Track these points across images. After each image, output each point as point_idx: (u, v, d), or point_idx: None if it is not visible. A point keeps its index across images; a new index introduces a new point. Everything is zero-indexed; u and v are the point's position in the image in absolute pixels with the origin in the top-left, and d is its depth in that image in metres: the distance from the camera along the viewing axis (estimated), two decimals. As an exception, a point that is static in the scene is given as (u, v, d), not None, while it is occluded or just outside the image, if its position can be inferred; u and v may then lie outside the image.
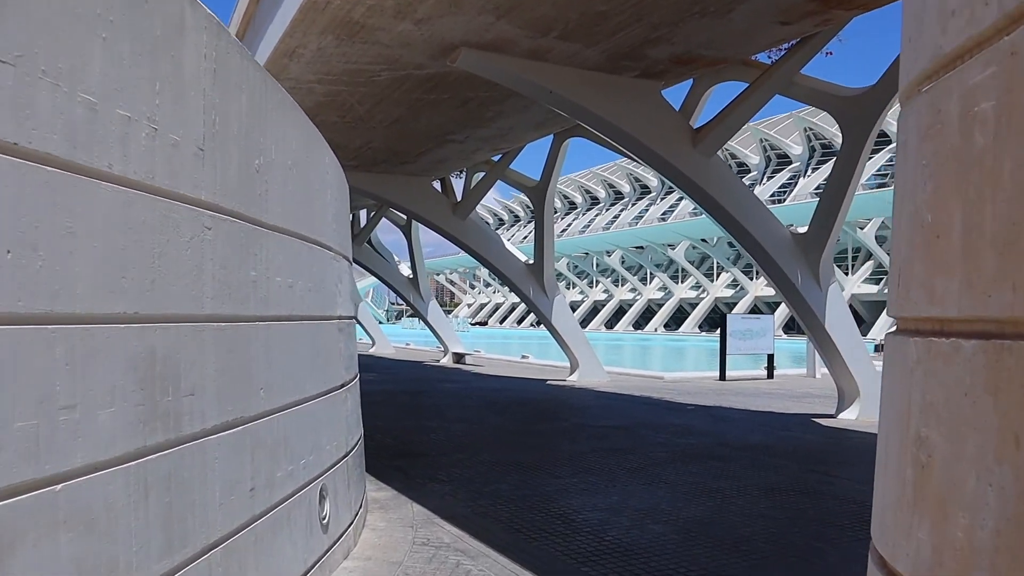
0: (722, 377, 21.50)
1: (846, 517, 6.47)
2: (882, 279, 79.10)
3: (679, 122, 12.14)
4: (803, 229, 12.82)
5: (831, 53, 12.62)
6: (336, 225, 5.54)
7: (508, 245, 22.08)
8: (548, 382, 20.23)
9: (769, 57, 12.37)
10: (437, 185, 22.88)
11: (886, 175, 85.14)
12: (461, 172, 22.43)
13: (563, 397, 16.81)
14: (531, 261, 20.90)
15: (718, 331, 22.27)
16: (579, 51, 10.81)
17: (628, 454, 9.34)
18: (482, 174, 21.54)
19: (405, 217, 29.33)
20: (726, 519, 6.40)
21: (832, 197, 12.27)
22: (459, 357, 29.39)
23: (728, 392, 17.86)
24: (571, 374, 20.78)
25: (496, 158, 20.47)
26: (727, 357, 21.64)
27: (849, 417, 13.06)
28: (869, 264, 79.47)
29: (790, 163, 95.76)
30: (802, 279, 12.49)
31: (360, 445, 6.26)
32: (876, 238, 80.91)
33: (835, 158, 12.30)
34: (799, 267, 12.50)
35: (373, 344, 39.24)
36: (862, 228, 79.17)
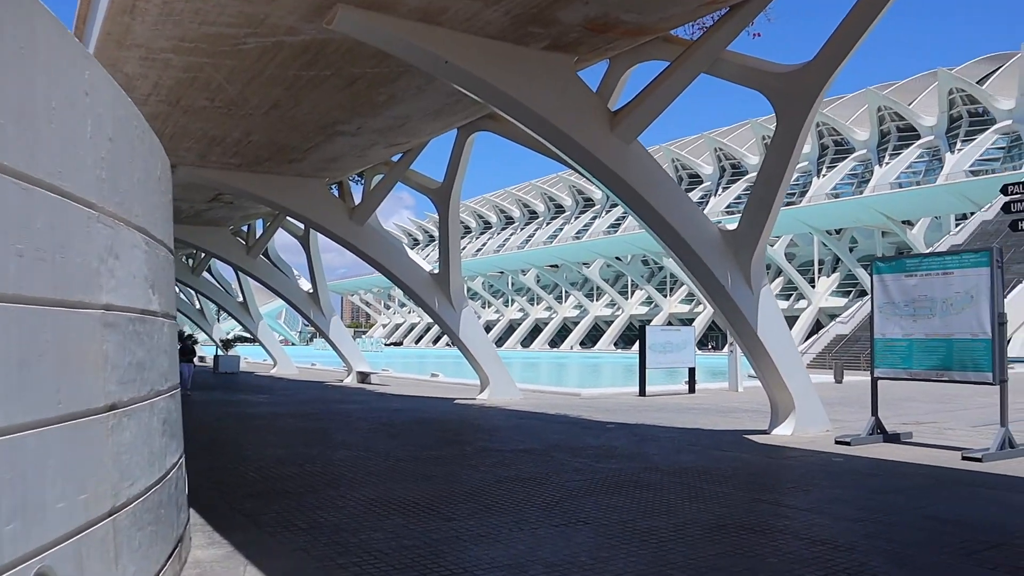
0: (642, 392, 20.19)
1: (818, 565, 5.00)
2: (791, 294, 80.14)
3: (595, 103, 10.68)
4: (732, 226, 11.54)
5: (759, 35, 11.44)
6: (113, 176, 3.81)
7: (412, 254, 20.39)
8: (456, 401, 18.55)
9: (692, 36, 11.09)
10: (336, 191, 21.08)
11: (793, 193, 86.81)
12: (360, 177, 20.68)
13: (470, 417, 15.15)
14: (436, 271, 19.25)
15: (636, 345, 20.96)
16: (478, 11, 9.26)
17: (540, 484, 7.74)
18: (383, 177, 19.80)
19: (303, 228, 27.34)
20: (667, 574, 4.86)
21: (765, 189, 11.00)
22: (364, 376, 27.47)
23: (649, 408, 16.50)
24: (481, 392, 19.18)
25: (397, 158, 18.78)
26: (646, 371, 20.37)
27: (784, 433, 11.79)
28: (779, 280, 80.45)
29: (701, 182, 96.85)
30: (732, 280, 11.18)
31: (166, 490, 4.49)
32: (786, 255, 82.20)
33: (767, 150, 11.06)
34: (728, 267, 11.19)
35: (275, 365, 37.11)
36: (771, 245, 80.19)
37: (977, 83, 78.58)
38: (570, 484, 7.75)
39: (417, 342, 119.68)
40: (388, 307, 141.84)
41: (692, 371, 21.30)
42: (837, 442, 10.76)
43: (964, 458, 9.43)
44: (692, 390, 21.11)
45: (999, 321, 9.86)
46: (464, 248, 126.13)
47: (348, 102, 13.24)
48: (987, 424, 13.27)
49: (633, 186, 10.36)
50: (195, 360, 24.41)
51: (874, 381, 11.36)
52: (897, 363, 10.91)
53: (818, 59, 10.20)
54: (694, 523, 6.06)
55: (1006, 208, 10.16)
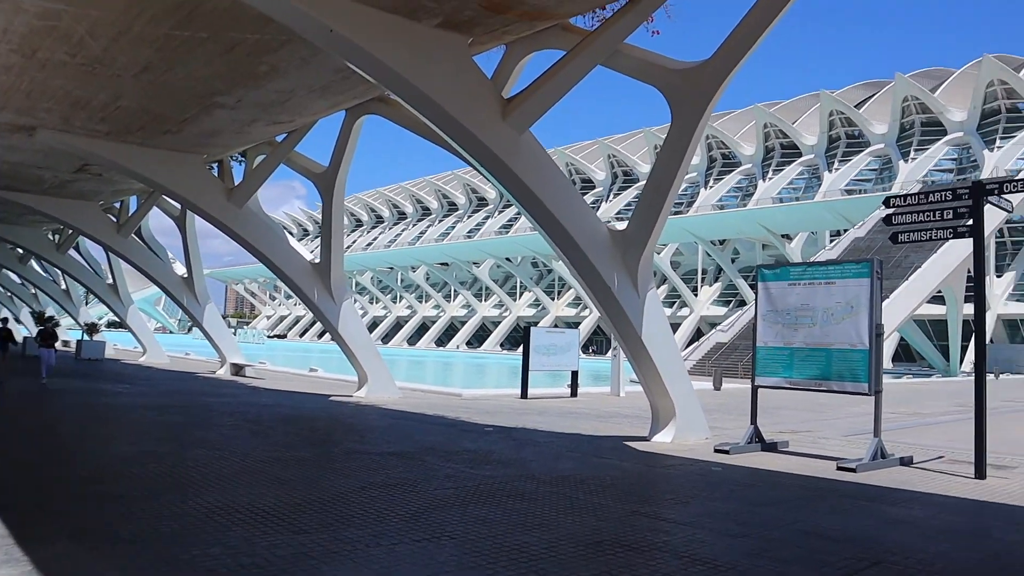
0: (524, 395, 19.85)
1: (695, 587, 4.63)
2: (675, 302, 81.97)
3: (488, 89, 10.16)
4: (622, 226, 11.25)
5: (658, 32, 11.18)
6: None
7: (293, 242, 19.42)
8: (331, 398, 17.74)
9: (592, 27, 10.73)
10: (216, 171, 19.90)
11: (681, 203, 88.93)
12: (242, 157, 19.58)
13: (344, 416, 14.42)
14: (317, 260, 18.37)
15: (521, 346, 20.62)
16: (366, -22, 8.63)
17: (407, 492, 7.18)
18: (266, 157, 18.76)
19: (180, 208, 25.85)
20: (533, 598, 4.38)
21: (656, 188, 10.74)
22: (238, 369, 26.20)
23: (531, 411, 16.14)
24: (359, 389, 18.41)
25: (281, 138, 17.81)
26: (529, 374, 20.04)
27: (664, 440, 11.58)
28: (664, 288, 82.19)
29: (593, 188, 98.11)
30: (618, 282, 10.88)
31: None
32: (671, 263, 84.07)
33: (662, 146, 10.79)
34: (616, 268, 10.88)
35: (144, 352, 35.06)
36: (658, 253, 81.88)
37: (855, 107, 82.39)
38: (440, 492, 7.21)
39: (302, 335, 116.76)
40: (274, 298, 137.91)
41: (575, 374, 21.10)
42: (716, 450, 10.61)
43: (839, 468, 9.39)
44: (574, 394, 20.91)
45: (876, 332, 9.89)
46: (354, 242, 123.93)
47: (227, 71, 12.30)
48: (859, 433, 13.48)
49: (522, 178, 9.90)
50: (57, 345, 22.62)
51: (754, 389, 11.28)
52: (778, 371, 10.85)
53: (716, 57, 10.00)
54: (569, 539, 5.63)
55: (887, 220, 10.22)
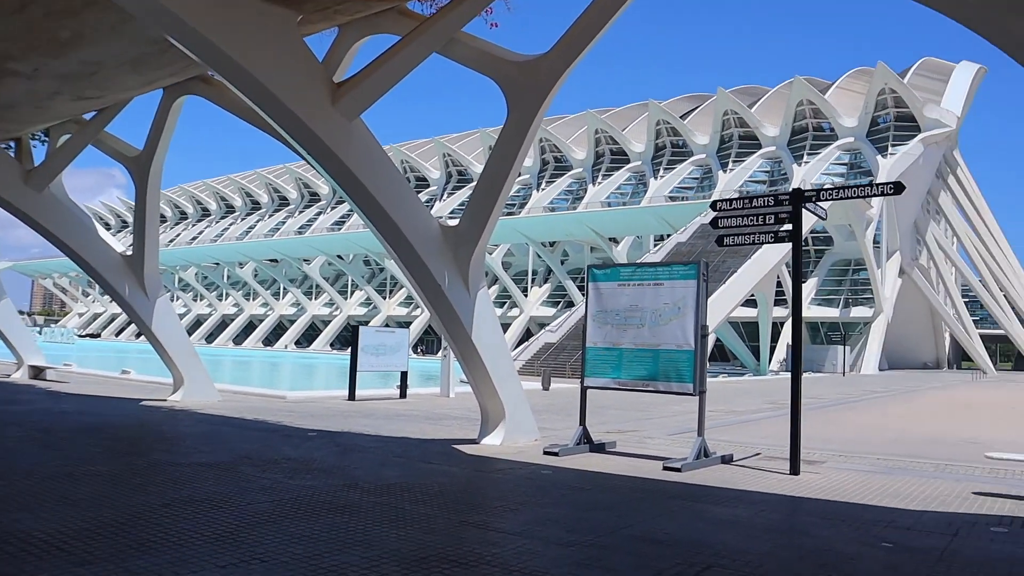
0: (351, 397, 19.22)
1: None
2: (506, 302, 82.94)
3: (317, 71, 9.50)
4: (454, 222, 10.95)
5: (496, 25, 10.96)
6: None
7: (102, 232, 17.85)
8: (142, 403, 16.44)
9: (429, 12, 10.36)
10: (13, 150, 17.97)
11: (513, 204, 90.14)
12: (45, 136, 17.79)
13: (154, 423, 13.33)
14: (129, 252, 16.99)
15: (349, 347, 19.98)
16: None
17: (217, 508, 6.54)
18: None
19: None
20: (350, 627, 3.97)
21: (490, 183, 10.49)
22: (37, 371, 23.91)
23: (358, 414, 15.58)
24: (174, 393, 17.19)
25: (91, 116, 16.27)
26: (357, 374, 19.44)
27: (493, 443, 11.38)
28: (495, 288, 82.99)
29: (428, 186, 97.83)
30: (449, 280, 10.57)
31: None
32: (502, 264, 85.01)
33: (498, 140, 10.56)
34: (447, 266, 10.56)
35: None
36: (490, 253, 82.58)
37: (680, 118, 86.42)
38: (254, 508, 6.62)
39: (118, 334, 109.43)
40: (87, 294, 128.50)
41: (404, 375, 20.67)
42: (546, 452, 10.51)
43: (665, 468, 9.50)
44: (403, 395, 20.47)
45: (701, 333, 10.10)
46: (178, 235, 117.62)
47: (21, 32, 10.93)
48: (682, 432, 13.85)
49: (350, 167, 9.36)
50: None
51: (583, 390, 11.28)
52: (607, 372, 10.89)
53: (554, 52, 9.88)
54: (392, 556, 5.23)
55: (714, 223, 10.47)
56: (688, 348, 10.10)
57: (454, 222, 10.91)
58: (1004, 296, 77.57)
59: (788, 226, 9.84)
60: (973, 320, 79.45)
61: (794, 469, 9.47)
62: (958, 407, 24.87)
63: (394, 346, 20.56)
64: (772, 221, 9.98)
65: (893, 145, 72.15)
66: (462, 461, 9.83)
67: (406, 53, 9.55)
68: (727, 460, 10.37)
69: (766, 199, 10.10)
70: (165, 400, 16.90)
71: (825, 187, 9.80)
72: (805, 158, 76.56)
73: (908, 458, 11.37)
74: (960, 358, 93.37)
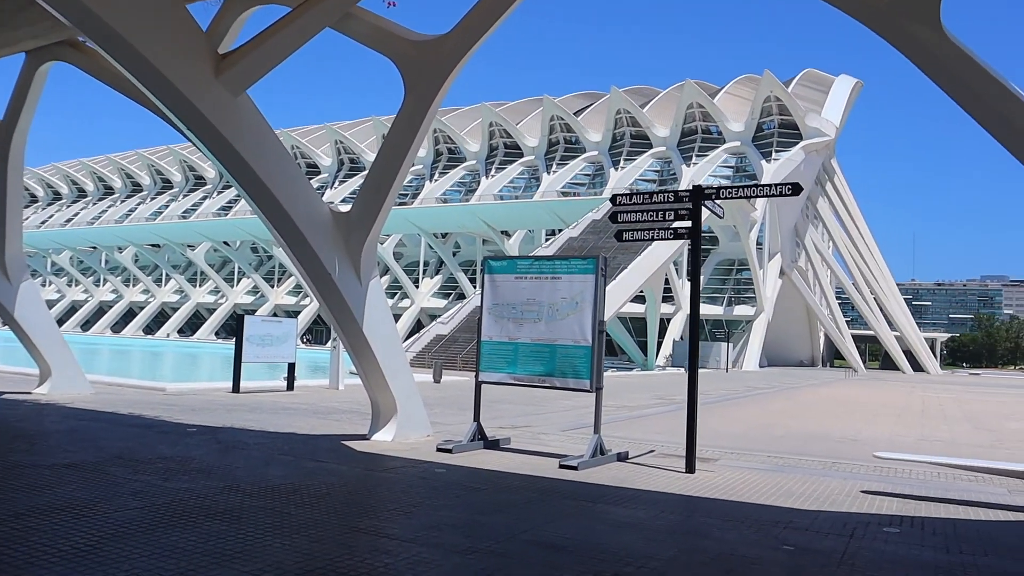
0: (236, 389, 18.40)
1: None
2: (397, 293, 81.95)
3: (200, 40, 8.79)
4: (346, 208, 10.45)
5: (394, 4, 10.54)
6: None
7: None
8: (2, 397, 15.23)
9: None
10: None
11: (406, 194, 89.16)
12: None
13: (15, 419, 12.28)
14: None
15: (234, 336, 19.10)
16: None
17: (80, 517, 5.94)
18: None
19: None
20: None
21: (384, 167, 10.03)
22: None
23: (243, 407, 14.86)
24: (39, 386, 16.01)
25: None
26: (243, 365, 18.62)
27: (384, 439, 10.98)
28: (386, 278, 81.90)
29: (319, 173, 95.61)
30: (340, 268, 10.08)
31: None
32: (394, 254, 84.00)
33: (394, 121, 10.09)
34: (337, 254, 10.07)
35: None
36: (382, 243, 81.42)
37: (574, 114, 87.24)
38: (122, 515, 6.05)
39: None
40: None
41: (292, 367, 19.93)
42: (439, 449, 10.18)
43: (562, 466, 9.32)
44: (291, 387, 19.76)
45: (599, 329, 9.97)
46: (51, 217, 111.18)
47: None
48: (576, 428, 13.76)
49: (235, 146, 8.75)
50: None
51: (478, 385, 10.98)
52: (502, 367, 10.64)
53: (455, 33, 9.52)
54: (275, 569, 4.81)
55: (613, 218, 10.36)
56: (585, 344, 9.96)
57: (346, 208, 10.43)
58: (874, 299, 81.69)
59: (687, 223, 9.81)
60: (845, 321, 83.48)
61: (690, 467, 9.46)
62: (835, 404, 25.86)
63: (281, 336, 19.79)
64: (671, 217, 9.94)
65: (777, 151, 74.92)
66: (352, 459, 9.39)
67: (297, 25, 8.98)
68: (623, 458, 10.29)
69: (666, 195, 10.06)
70: (30, 393, 15.72)
71: (725, 186, 9.81)
72: (694, 159, 78.60)
73: (797, 455, 11.58)
74: (833, 356, 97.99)
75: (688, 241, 9.77)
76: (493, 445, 10.83)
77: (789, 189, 9.34)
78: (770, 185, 9.44)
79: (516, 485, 8.19)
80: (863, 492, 8.67)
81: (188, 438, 10.38)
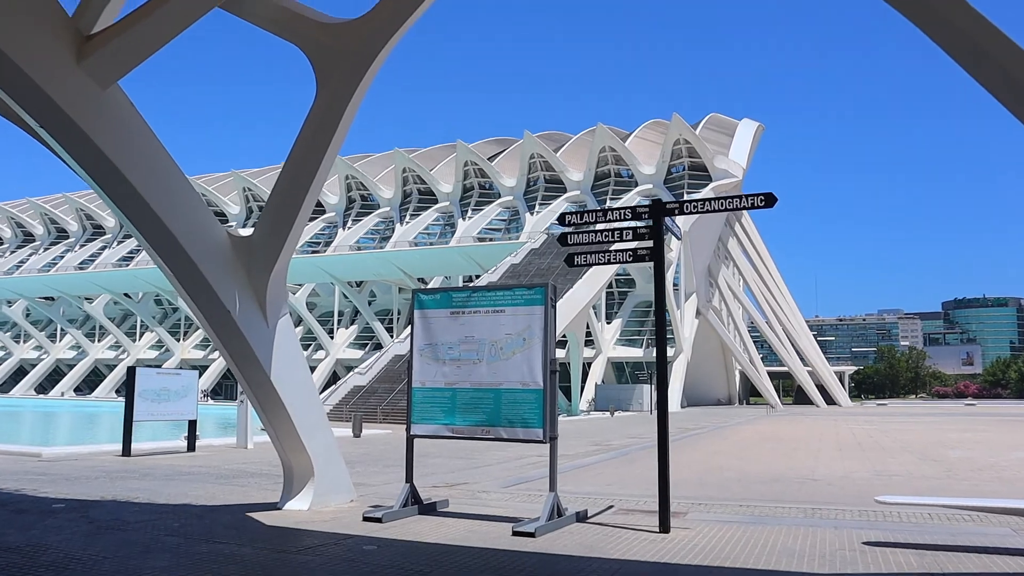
0: (126, 452, 16.21)
1: None
2: (311, 344, 78.98)
3: (57, 17, 7.08)
4: (246, 231, 8.82)
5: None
6: None
7: None
8: None
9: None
10: None
11: (319, 242, 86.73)
12: None
13: None
14: None
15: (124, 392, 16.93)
16: None
17: None
18: None
19: None
20: None
21: (293, 180, 8.45)
22: None
23: (131, 474, 12.82)
24: None
25: None
26: (134, 424, 16.48)
27: (299, 508, 9.23)
28: (299, 329, 78.91)
29: (227, 222, 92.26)
30: (242, 306, 8.43)
31: None
32: (307, 304, 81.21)
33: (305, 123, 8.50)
34: (238, 287, 8.41)
35: None
36: (294, 293, 78.72)
37: (488, 159, 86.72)
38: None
39: None
40: None
41: (192, 425, 17.83)
42: (366, 518, 8.49)
43: (516, 533, 7.76)
44: (192, 447, 17.63)
45: (551, 368, 8.54)
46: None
47: None
48: (518, 483, 12.27)
49: (102, 148, 7.02)
50: None
51: (410, 439, 9.37)
52: (437, 417, 9.07)
53: (377, 12, 8.05)
54: None
55: (563, 240, 9.02)
56: (535, 387, 8.51)
57: (246, 231, 8.78)
58: (786, 335, 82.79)
59: (647, 243, 8.53)
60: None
61: (664, 526, 8.05)
62: (771, 441, 24.98)
63: (180, 391, 17.70)
64: (629, 237, 8.65)
65: (688, 192, 75.63)
66: (259, 537, 7.64)
67: (181, 5, 7.35)
68: (582, 517, 8.82)
69: (623, 211, 8.77)
70: None
71: (689, 200, 8.56)
72: (608, 202, 78.74)
73: (769, 503, 10.35)
74: (748, 394, 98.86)
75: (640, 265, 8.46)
76: (429, 509, 9.22)
77: (762, 200, 8.17)
78: (741, 196, 8.26)
79: (467, 564, 6.59)
80: (866, 544, 7.43)
81: (50, 518, 8.42)
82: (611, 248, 8.71)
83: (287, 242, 8.50)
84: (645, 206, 8.61)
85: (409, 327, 9.55)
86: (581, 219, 8.89)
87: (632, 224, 8.71)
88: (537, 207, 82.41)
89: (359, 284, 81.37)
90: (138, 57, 7.30)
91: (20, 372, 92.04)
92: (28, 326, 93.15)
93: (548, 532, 7.88)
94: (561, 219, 8.96)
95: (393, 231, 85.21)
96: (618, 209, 8.72)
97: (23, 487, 10.91)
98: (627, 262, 8.67)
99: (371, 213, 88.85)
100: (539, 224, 78.49)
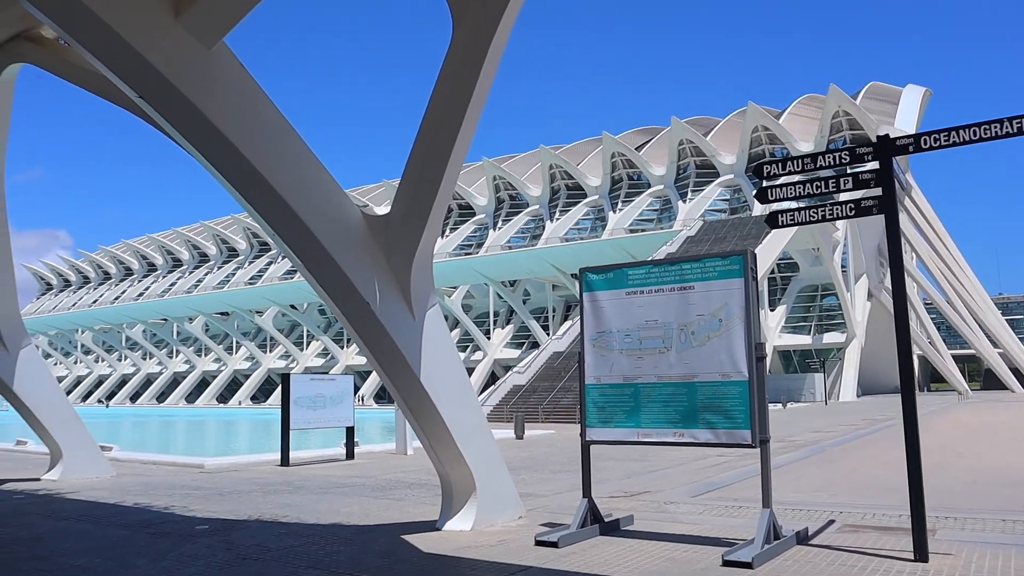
0: (284, 461, 15.65)
1: None
2: (468, 346, 79.26)
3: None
4: (383, 210, 7.65)
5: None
6: None
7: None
8: (2, 487, 12.75)
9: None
10: None
11: (470, 244, 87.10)
12: None
13: (3, 515, 9.66)
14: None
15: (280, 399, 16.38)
16: None
17: None
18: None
19: None
20: None
21: (433, 143, 7.12)
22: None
23: (285, 487, 12.05)
24: (49, 470, 13.54)
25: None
26: (291, 433, 15.91)
27: (461, 527, 7.98)
28: (456, 332, 79.38)
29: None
30: (382, 296, 7.23)
31: None
32: (462, 306, 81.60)
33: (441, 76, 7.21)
34: (377, 274, 7.23)
35: None
36: (449, 296, 79.30)
37: (635, 149, 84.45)
38: None
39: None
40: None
41: (351, 431, 17.13)
42: (539, 543, 7.11)
43: (727, 563, 6.17)
44: (351, 455, 16.93)
45: (757, 355, 6.89)
46: (124, 292, 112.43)
47: None
48: (710, 490, 10.62)
49: (207, 114, 6.01)
50: None
51: (585, 447, 7.93)
52: (618, 419, 7.58)
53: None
54: None
55: (762, 197, 7.32)
56: (739, 377, 6.88)
57: (383, 209, 7.60)
58: (970, 314, 75.98)
59: (875, 191, 6.73)
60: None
61: (921, 553, 6.23)
62: (983, 433, 21.99)
63: (336, 397, 17.04)
64: (849, 186, 6.87)
65: (851, 166, 70.61)
66: (413, 568, 6.41)
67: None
68: (803, 539, 7.11)
69: (837, 156, 6.97)
70: (39, 480, 13.26)
71: (927, 132, 6.65)
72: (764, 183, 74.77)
73: (1037, 515, 8.25)
74: (929, 380, 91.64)
75: (884, 216, 6.64)
76: (612, 528, 7.74)
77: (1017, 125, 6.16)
78: (1001, 121, 6.29)
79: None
80: None
81: (188, 543, 7.51)
82: (828, 203, 6.95)
83: (431, 219, 7.23)
84: (868, 144, 6.80)
85: (566, 323, 8.08)
86: (783, 168, 7.17)
87: (850, 171, 6.90)
88: (689, 194, 79.50)
89: (512, 284, 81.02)
90: (247, 4, 6.19)
91: (203, 383, 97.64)
92: (208, 340, 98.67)
93: (768, 561, 6.24)
94: (758, 170, 7.26)
95: (543, 229, 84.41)
96: (833, 152, 6.93)
97: (174, 504, 10.25)
98: (848, 216, 6.89)
99: (520, 212, 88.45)
100: (692, 211, 75.60)
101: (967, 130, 6.37)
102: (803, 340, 65.98)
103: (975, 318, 76.15)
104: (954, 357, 78.46)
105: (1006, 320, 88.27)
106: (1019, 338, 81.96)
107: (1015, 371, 76.01)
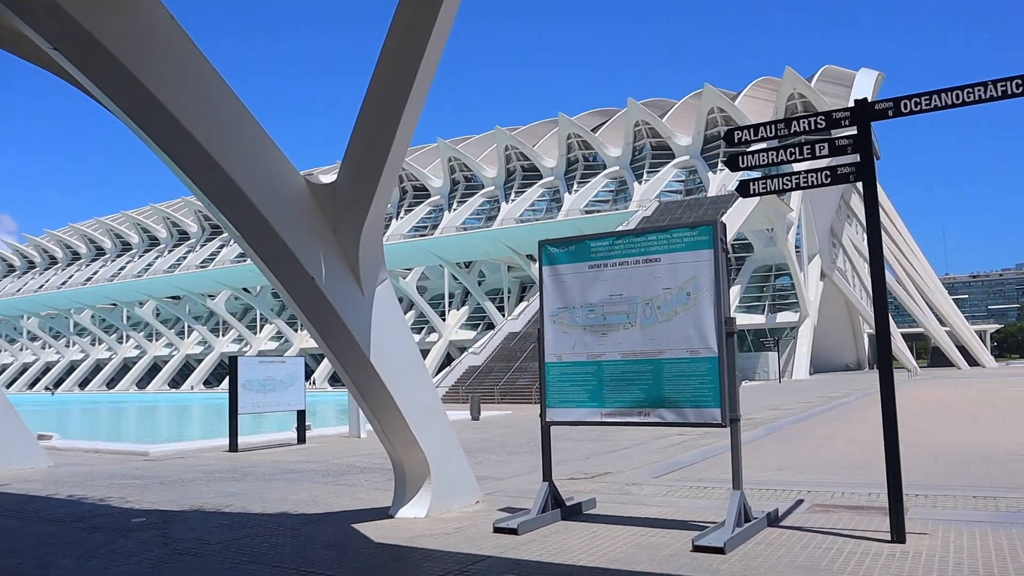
0: (232, 447, 15.07)
1: None
2: (423, 327, 78.59)
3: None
4: (328, 177, 7.14)
5: None
6: None
7: None
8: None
9: None
10: None
11: (425, 226, 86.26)
12: None
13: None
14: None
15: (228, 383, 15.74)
16: None
17: None
18: None
19: None
20: None
21: (383, 108, 6.63)
22: None
23: (231, 475, 11.50)
24: (-20, 462, 12.79)
25: None
26: (242, 418, 15.33)
27: (415, 514, 7.55)
28: (411, 313, 78.69)
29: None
30: (328, 271, 6.74)
31: None
32: (417, 288, 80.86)
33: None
34: (323, 247, 6.74)
35: None
36: (403, 278, 78.55)
37: (591, 131, 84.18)
38: None
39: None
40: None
41: (302, 415, 16.57)
42: (497, 529, 6.71)
43: (697, 548, 5.84)
44: (302, 439, 16.40)
45: (727, 330, 6.55)
46: (71, 277, 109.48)
47: None
48: (673, 470, 10.33)
49: (136, 73, 5.41)
50: None
51: (545, 428, 7.54)
52: (580, 399, 7.19)
53: None
54: None
55: (732, 164, 6.95)
56: (707, 354, 6.54)
57: (328, 177, 7.09)
58: (919, 293, 77.39)
59: (851, 157, 6.40)
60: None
61: (898, 535, 5.96)
62: (936, 409, 22.14)
63: (286, 379, 16.45)
64: (825, 152, 6.54)
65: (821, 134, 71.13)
66: (364, 560, 5.97)
67: None
68: (774, 520, 6.81)
69: (812, 120, 6.63)
70: (-30, 472, 12.53)
71: (908, 96, 6.31)
72: (720, 166, 75.08)
73: (1002, 492, 8.07)
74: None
75: (858, 185, 6.31)
76: (574, 512, 7.38)
77: (1019, 86, 5.89)
78: (988, 83, 5.99)
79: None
80: None
81: (123, 538, 6.97)
82: (803, 171, 6.61)
83: (379, 187, 6.73)
84: (845, 109, 6.46)
85: (522, 304, 7.66)
86: (755, 134, 6.80)
87: (826, 136, 6.56)
88: (645, 175, 79.52)
89: (468, 265, 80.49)
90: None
91: (154, 369, 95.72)
92: (159, 325, 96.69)
93: (740, 545, 5.92)
94: (728, 137, 6.88)
95: (499, 210, 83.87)
96: (807, 117, 6.58)
97: (111, 495, 9.65)
98: (823, 184, 6.55)
99: (476, 194, 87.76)
100: (648, 193, 75.64)
101: (949, 93, 6.06)
102: (757, 319, 66.52)
103: (923, 297, 77.61)
104: (903, 335, 79.92)
105: (954, 299, 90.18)
106: (967, 315, 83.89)
107: (961, 349, 77.72)
